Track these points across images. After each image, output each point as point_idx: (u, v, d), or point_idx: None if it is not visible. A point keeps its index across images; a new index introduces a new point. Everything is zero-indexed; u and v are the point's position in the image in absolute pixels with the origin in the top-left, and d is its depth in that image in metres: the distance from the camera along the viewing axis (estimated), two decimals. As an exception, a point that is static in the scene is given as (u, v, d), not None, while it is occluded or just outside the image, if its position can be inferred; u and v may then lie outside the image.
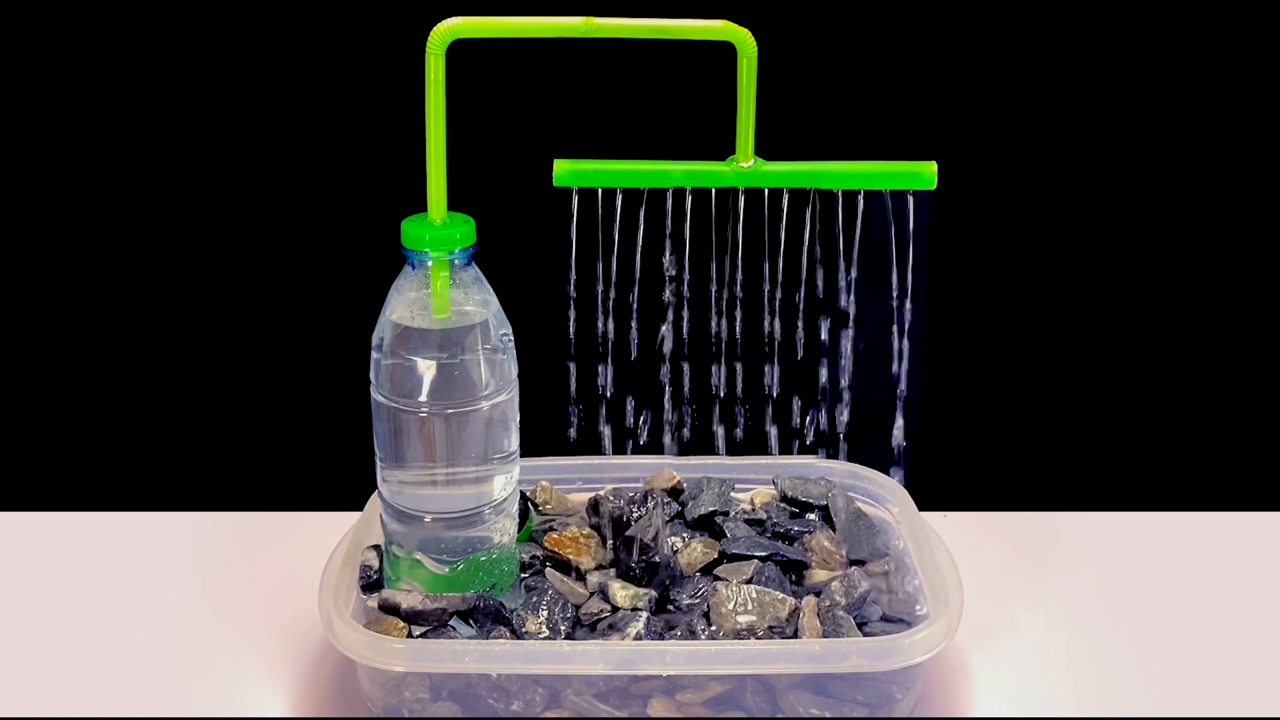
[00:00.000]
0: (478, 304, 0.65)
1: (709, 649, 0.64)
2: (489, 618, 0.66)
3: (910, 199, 0.65)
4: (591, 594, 0.69)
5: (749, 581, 0.69)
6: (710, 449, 0.76)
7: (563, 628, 0.66)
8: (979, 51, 0.83)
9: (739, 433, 0.75)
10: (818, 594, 0.68)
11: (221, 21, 0.82)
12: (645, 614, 0.66)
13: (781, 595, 0.67)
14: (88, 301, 0.89)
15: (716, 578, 0.70)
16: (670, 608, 0.68)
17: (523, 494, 0.73)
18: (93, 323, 0.89)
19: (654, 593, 0.68)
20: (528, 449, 0.70)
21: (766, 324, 0.70)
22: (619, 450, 0.75)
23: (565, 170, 0.64)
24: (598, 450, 0.75)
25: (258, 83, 0.84)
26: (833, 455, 0.77)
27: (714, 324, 0.70)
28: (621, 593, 0.68)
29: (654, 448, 0.75)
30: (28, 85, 0.84)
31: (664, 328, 0.70)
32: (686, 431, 0.75)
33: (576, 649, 0.63)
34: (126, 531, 0.85)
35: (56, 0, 0.82)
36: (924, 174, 0.64)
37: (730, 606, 0.66)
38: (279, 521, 0.86)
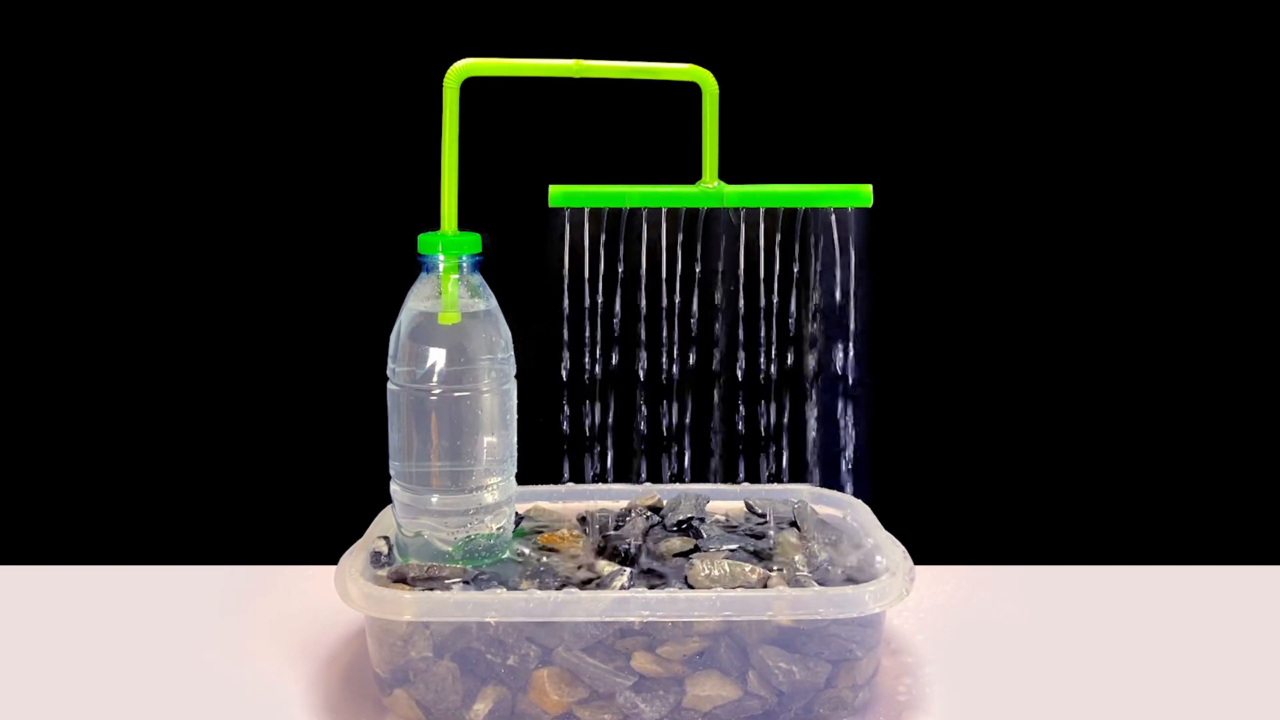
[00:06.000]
0: (483, 303, 0.75)
1: (692, 595, 0.69)
2: (488, 585, 0.73)
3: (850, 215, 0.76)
4: (579, 569, 0.76)
5: (722, 561, 0.76)
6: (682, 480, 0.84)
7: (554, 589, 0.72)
8: (911, 87, 0.96)
9: (713, 463, 0.84)
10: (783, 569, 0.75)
11: (270, 70, 0.96)
12: (629, 570, 0.73)
13: (751, 565, 0.74)
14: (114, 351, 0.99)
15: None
16: (651, 575, 0.75)
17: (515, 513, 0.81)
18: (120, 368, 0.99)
19: (636, 569, 0.75)
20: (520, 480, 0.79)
21: (720, 354, 0.80)
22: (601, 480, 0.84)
23: (559, 193, 0.75)
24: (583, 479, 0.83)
25: (290, 119, 0.97)
26: (800, 480, 0.85)
27: (678, 355, 0.80)
28: (607, 568, 0.75)
29: (628, 477, 0.84)
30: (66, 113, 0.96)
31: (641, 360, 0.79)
32: (674, 462, 0.83)
33: (571, 597, 0.69)
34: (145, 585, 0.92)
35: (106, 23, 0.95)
36: (861, 194, 0.75)
37: (705, 574, 0.73)
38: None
